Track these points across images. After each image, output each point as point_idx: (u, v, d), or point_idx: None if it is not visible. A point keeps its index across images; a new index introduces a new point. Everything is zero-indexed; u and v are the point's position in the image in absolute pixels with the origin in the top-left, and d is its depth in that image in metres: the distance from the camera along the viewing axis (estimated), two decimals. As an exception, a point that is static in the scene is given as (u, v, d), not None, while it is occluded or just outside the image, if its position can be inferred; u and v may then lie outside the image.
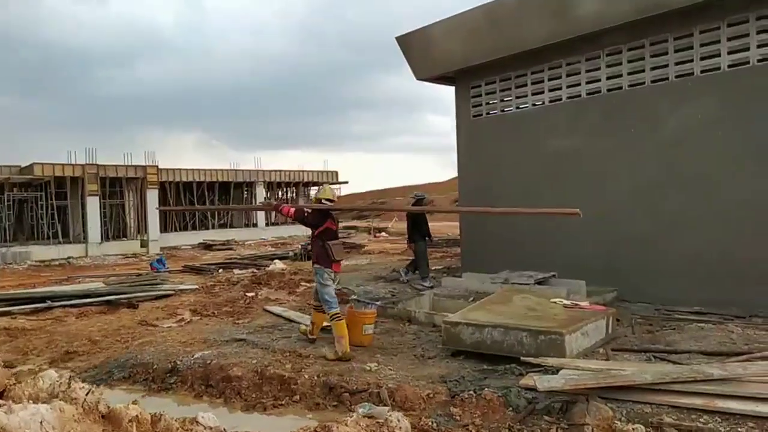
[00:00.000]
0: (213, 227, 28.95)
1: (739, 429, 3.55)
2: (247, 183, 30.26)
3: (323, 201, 6.46)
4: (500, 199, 9.95)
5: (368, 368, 5.29)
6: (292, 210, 6.66)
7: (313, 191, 35.17)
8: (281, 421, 4.54)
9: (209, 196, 28.81)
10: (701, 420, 3.69)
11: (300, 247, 17.21)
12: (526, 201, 9.60)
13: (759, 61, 7.22)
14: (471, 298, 7.78)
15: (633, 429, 3.72)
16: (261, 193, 30.21)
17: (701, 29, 7.63)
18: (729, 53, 7.43)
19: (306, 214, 6.54)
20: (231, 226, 29.88)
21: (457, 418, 4.29)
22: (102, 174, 22.19)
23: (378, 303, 7.73)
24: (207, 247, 23.68)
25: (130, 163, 23.49)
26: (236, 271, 13.57)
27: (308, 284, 10.78)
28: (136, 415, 2.59)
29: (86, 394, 2.83)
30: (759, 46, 7.20)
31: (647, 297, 7.86)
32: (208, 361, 5.61)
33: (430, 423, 4.21)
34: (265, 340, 6.32)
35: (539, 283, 8.04)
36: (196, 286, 10.95)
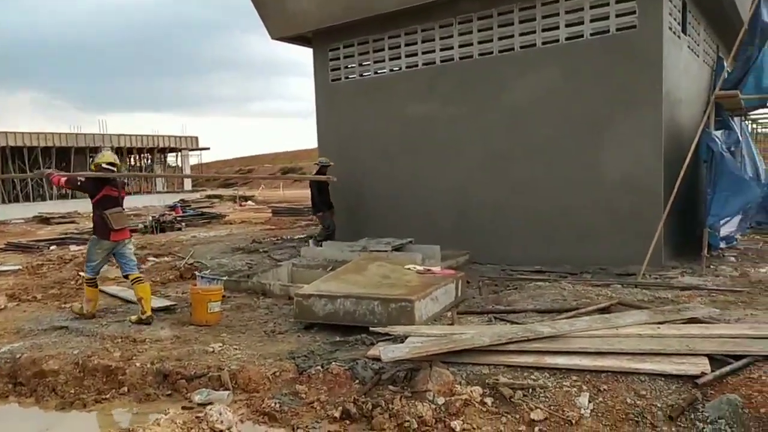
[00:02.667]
0: (51, 198, 25.81)
1: (565, 383, 3.76)
2: (92, 148, 27.26)
3: (104, 166, 5.99)
4: (358, 165, 9.83)
5: (211, 350, 4.88)
6: (63, 179, 6.14)
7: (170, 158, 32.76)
8: (102, 418, 4.02)
9: (45, 163, 25.50)
10: (532, 377, 3.86)
11: (152, 218, 15.83)
12: (384, 167, 9.60)
13: (592, 34, 7.72)
14: (330, 268, 7.59)
15: (471, 391, 3.80)
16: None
17: (543, 1, 7.97)
18: (566, 26, 7.86)
19: (80, 182, 6.07)
20: (74, 197, 26.80)
21: (303, 395, 4.11)
22: None
23: (225, 277, 7.25)
24: (44, 220, 21.00)
25: (-63, 125, 19.93)
26: (72, 247, 12.08)
27: (156, 259, 9.91)
28: None
29: None
30: (592, 21, 7.69)
31: (496, 259, 8.27)
32: (18, 355, 4.84)
33: (273, 404, 3.98)
34: (92, 327, 5.60)
35: (397, 249, 8.07)
36: (19, 267, 9.55)
